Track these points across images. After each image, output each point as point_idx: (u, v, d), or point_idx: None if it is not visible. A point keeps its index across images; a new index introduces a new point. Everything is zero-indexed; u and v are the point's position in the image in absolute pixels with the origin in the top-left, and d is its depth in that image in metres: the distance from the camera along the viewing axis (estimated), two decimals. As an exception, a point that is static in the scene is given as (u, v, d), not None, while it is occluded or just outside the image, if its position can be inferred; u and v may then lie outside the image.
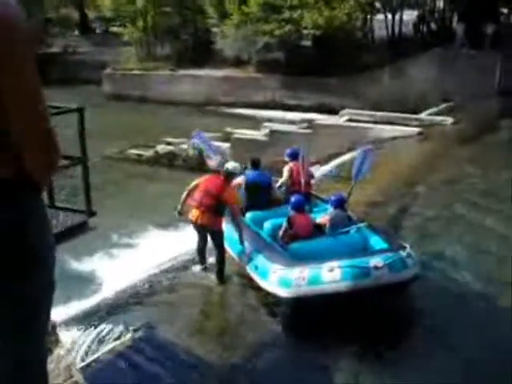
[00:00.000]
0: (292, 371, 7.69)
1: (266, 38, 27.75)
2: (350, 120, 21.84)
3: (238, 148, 18.30)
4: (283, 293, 8.69)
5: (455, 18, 32.40)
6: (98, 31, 43.08)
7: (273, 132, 20.83)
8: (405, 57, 27.25)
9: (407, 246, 8.94)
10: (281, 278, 8.69)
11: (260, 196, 10.74)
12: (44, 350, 2.12)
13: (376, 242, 9.35)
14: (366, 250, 9.11)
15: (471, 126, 20.49)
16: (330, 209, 9.86)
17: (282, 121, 23.76)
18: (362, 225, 9.61)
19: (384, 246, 9.10)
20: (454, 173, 15.81)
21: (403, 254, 8.60)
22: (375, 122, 21.01)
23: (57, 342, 2.85)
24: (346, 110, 22.98)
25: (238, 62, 29.25)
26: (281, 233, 9.59)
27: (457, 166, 16.39)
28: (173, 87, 29.66)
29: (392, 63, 27.05)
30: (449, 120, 21.12)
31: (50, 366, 2.77)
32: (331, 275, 8.35)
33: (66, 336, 8.16)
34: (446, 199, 13.94)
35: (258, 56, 28.41)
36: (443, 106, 23.41)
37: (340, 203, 9.81)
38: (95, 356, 7.74)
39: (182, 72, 30.25)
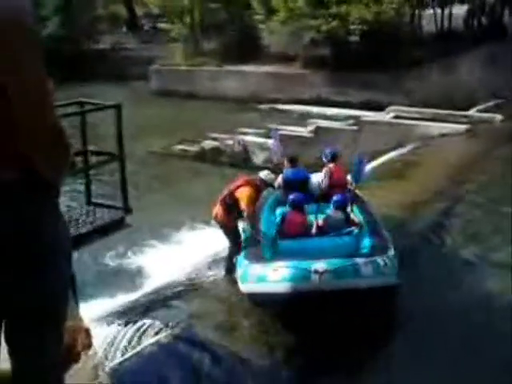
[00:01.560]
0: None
1: (313, 34, 27.57)
2: (397, 117, 21.57)
3: (284, 144, 18.22)
4: (241, 287, 8.77)
5: (506, 13, 31.66)
6: (145, 28, 43.40)
7: (318, 128, 20.70)
8: (454, 53, 26.75)
9: (390, 253, 8.68)
10: (242, 273, 8.79)
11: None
12: (59, 343, 2.13)
13: (365, 245, 9.06)
14: (355, 253, 8.74)
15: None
16: (330, 210, 9.73)
17: (328, 117, 23.58)
18: (351, 229, 9.30)
19: (366, 250, 8.86)
20: (501, 172, 15.46)
21: (364, 260, 8.29)
22: (422, 119, 20.70)
23: (87, 339, 2.84)
24: (393, 107, 22.70)
25: (285, 58, 29.12)
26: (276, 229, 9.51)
27: (504, 165, 16.02)
28: (219, 83, 29.72)
29: (441, 59, 26.59)
30: (498, 117, 20.68)
31: (77, 366, 2.76)
32: (274, 275, 8.27)
33: (106, 331, 8.25)
34: (492, 199, 13.64)
35: (304, 52, 28.27)
36: (492, 102, 22.92)
37: (341, 205, 9.63)
38: (134, 351, 7.81)
39: (228, 68, 30.29)
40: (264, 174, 9.86)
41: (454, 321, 8.79)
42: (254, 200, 9.59)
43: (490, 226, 12.28)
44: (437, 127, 19.77)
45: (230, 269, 9.65)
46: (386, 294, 8.45)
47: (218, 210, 9.65)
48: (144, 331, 8.29)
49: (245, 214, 9.40)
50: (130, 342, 8.12)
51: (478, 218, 12.77)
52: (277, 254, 8.79)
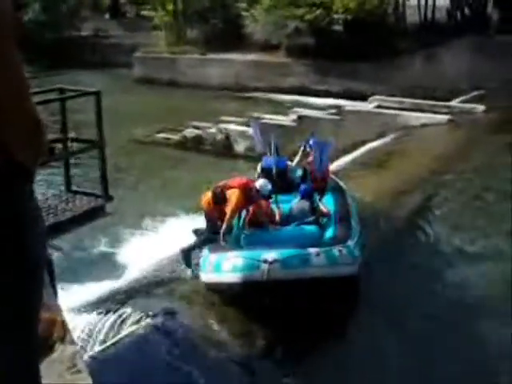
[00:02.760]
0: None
1: (297, 23, 27.47)
2: (379, 106, 21.60)
3: (266, 133, 18.20)
4: (201, 276, 8.86)
5: (490, 4, 31.74)
6: (128, 15, 43.08)
7: (301, 117, 20.69)
8: (437, 43, 26.82)
9: (351, 243, 8.71)
10: (202, 263, 8.90)
11: (274, 181, 10.56)
12: (31, 338, 2.08)
13: (326, 235, 9.12)
14: (317, 243, 8.75)
15: (503, 114, 20.11)
16: (296, 199, 9.71)
17: (311, 106, 23.56)
18: (311, 219, 9.32)
19: (325, 240, 8.91)
20: (482, 161, 15.56)
21: (316, 250, 8.33)
22: (404, 109, 20.76)
23: (62, 331, 2.80)
24: (375, 97, 22.73)
25: (268, 47, 29.01)
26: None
27: (485, 155, 16.12)
28: (202, 71, 29.57)
29: (424, 49, 26.66)
30: (480, 108, 20.77)
31: (55, 354, 2.73)
32: (227, 265, 8.35)
33: (86, 320, 8.22)
34: (473, 188, 13.72)
35: (288, 41, 28.17)
36: (474, 93, 23.01)
37: (306, 194, 9.65)
38: (114, 340, 7.77)
39: (211, 56, 30.14)
40: (260, 185, 9.38)
41: (415, 312, 8.84)
42: (240, 207, 9.35)
43: (471, 216, 12.36)
44: (419, 117, 19.82)
45: (188, 252, 9.62)
46: (342, 283, 8.44)
47: (206, 196, 9.51)
48: (124, 320, 8.26)
49: (226, 217, 9.04)
50: (109, 331, 8.10)
51: (459, 207, 12.84)
52: (240, 244, 8.83)
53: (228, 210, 9.03)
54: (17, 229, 1.85)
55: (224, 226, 8.98)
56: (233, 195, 9.08)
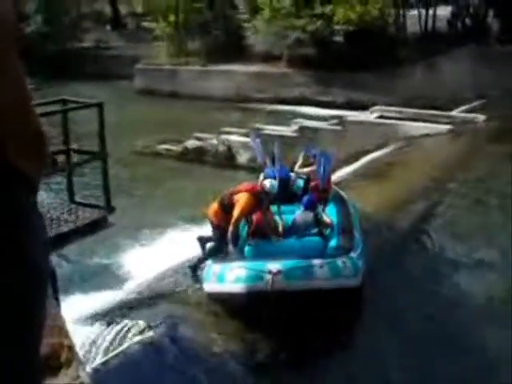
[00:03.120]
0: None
1: (298, 34, 27.59)
2: (381, 117, 21.64)
3: (268, 144, 18.22)
4: (204, 286, 8.86)
5: (490, 14, 31.82)
6: (129, 26, 43.22)
7: (302, 128, 20.70)
8: (438, 53, 26.88)
9: (354, 254, 8.70)
10: (205, 273, 8.91)
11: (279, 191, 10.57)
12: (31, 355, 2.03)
13: (329, 247, 9.09)
14: (321, 255, 8.75)
15: (504, 124, 20.13)
16: (300, 210, 9.69)
17: (312, 117, 23.59)
18: (314, 230, 9.28)
19: (329, 251, 8.89)
20: (483, 171, 15.58)
21: (320, 262, 8.34)
22: (406, 119, 20.78)
23: (71, 352, 2.79)
24: (377, 107, 22.77)
25: (270, 58, 29.09)
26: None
27: (486, 164, 16.14)
28: (203, 82, 29.62)
29: (425, 59, 26.71)
30: (481, 117, 20.80)
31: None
32: (231, 275, 8.36)
33: (89, 331, 8.21)
34: (475, 199, 13.73)
35: (289, 51, 28.26)
36: (476, 103, 23.06)
37: (310, 205, 9.59)
38: (117, 351, 7.76)
39: (212, 67, 30.21)
40: (268, 185, 9.38)
41: (416, 318, 8.85)
42: (249, 210, 9.21)
43: (473, 225, 12.36)
44: (420, 127, 19.85)
45: (195, 266, 9.61)
46: (345, 295, 8.45)
47: (213, 207, 9.45)
48: (126, 331, 8.25)
49: (233, 220, 8.97)
50: (112, 343, 8.08)
51: (461, 216, 12.84)
52: (244, 255, 8.82)
53: (236, 211, 8.96)
54: (18, 229, 1.83)
55: (231, 229, 8.91)
56: (241, 198, 9.05)
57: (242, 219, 9.31)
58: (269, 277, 7.95)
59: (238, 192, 9.21)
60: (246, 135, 19.38)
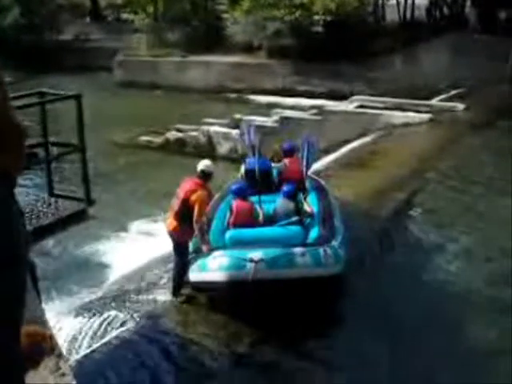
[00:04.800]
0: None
1: (277, 24, 27.55)
2: (361, 106, 21.72)
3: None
4: (188, 276, 8.73)
5: (468, 3, 32.02)
6: (109, 18, 42.95)
7: (283, 118, 20.73)
8: (417, 42, 27.04)
9: (335, 243, 8.78)
10: (190, 263, 8.77)
11: (258, 182, 10.46)
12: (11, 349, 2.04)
13: (311, 235, 9.12)
14: (302, 243, 8.74)
15: (482, 112, 20.32)
16: (280, 199, 9.70)
17: (293, 107, 23.62)
18: (294, 219, 9.21)
19: (310, 240, 8.93)
20: (462, 159, 15.74)
21: (302, 250, 8.39)
22: (386, 109, 20.88)
23: (52, 342, 2.81)
24: (356, 97, 22.85)
25: (249, 48, 29.05)
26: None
27: (466, 153, 16.30)
28: (183, 74, 29.53)
29: (404, 49, 26.84)
30: (459, 106, 20.95)
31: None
32: (213, 264, 8.37)
33: (72, 323, 8.22)
34: (455, 187, 13.87)
35: (268, 42, 28.21)
36: (454, 92, 23.21)
37: (288, 194, 9.57)
38: (99, 343, 7.78)
39: (192, 58, 30.10)
40: (204, 165, 8.91)
41: (404, 310, 8.93)
42: (207, 204, 8.82)
43: (453, 213, 12.48)
44: (400, 116, 19.95)
45: (178, 286, 9.03)
46: (327, 283, 8.52)
47: (171, 223, 8.87)
48: (109, 323, 8.27)
49: (196, 223, 8.52)
50: (95, 335, 8.10)
51: (441, 205, 12.97)
52: (224, 244, 8.83)
53: (197, 213, 8.49)
54: None
55: (198, 226, 8.56)
56: (199, 196, 8.56)
57: (203, 216, 8.75)
58: (251, 265, 7.98)
59: (192, 192, 8.61)
60: (227, 126, 19.44)
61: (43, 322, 2.97)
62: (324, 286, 8.54)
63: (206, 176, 8.84)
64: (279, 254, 8.26)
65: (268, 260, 8.07)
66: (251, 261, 8.01)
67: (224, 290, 8.34)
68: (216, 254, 8.50)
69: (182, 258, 8.87)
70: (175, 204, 8.78)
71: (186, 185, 8.80)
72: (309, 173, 11.48)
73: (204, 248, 8.76)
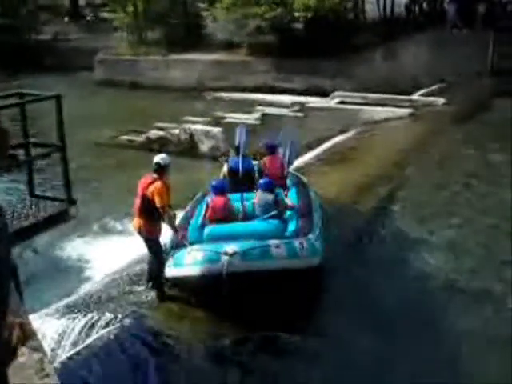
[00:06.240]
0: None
1: (257, 21, 27.54)
2: (342, 102, 21.79)
3: (230, 132, 18.24)
4: (166, 272, 8.70)
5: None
6: (88, 17, 42.71)
7: (265, 115, 20.78)
8: (397, 38, 27.15)
9: (312, 236, 8.81)
10: (166, 259, 8.77)
11: (241, 181, 10.56)
12: None
13: (288, 228, 9.14)
14: (280, 236, 8.77)
15: (463, 106, 20.46)
16: (257, 192, 9.72)
17: (274, 104, 23.64)
18: (272, 213, 9.25)
19: (287, 233, 8.96)
20: (443, 154, 15.84)
21: (277, 242, 8.41)
22: (367, 104, 20.97)
23: (30, 333, 2.81)
24: (338, 93, 22.92)
25: (230, 46, 29.04)
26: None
27: (448, 146, 16.41)
28: (164, 72, 29.46)
29: (384, 44, 26.94)
30: (440, 100, 21.09)
31: (22, 359, 2.73)
32: (188, 258, 8.39)
33: (56, 325, 8.18)
34: (436, 181, 13.96)
35: (249, 39, 28.22)
36: (435, 86, 23.34)
37: (265, 186, 9.60)
38: (84, 344, 7.76)
39: (173, 57, 30.02)
40: (159, 158, 8.81)
41: (381, 303, 8.98)
42: (166, 193, 8.48)
43: (435, 206, 12.56)
44: (381, 111, 20.05)
45: (160, 284, 8.90)
46: (304, 275, 8.52)
47: (137, 221, 8.72)
48: (93, 324, 8.24)
49: (163, 212, 8.39)
50: (79, 336, 8.07)
51: (423, 200, 13.04)
52: (202, 239, 8.83)
53: (158, 201, 8.35)
54: None
55: (167, 215, 8.46)
56: (154, 188, 8.42)
57: (167, 203, 8.50)
58: (225, 258, 7.99)
59: (146, 187, 8.51)
60: (208, 124, 19.45)
61: (26, 325, 2.97)
62: (301, 279, 8.53)
63: (161, 168, 8.70)
64: (253, 246, 8.27)
65: (242, 252, 8.09)
66: (225, 254, 8.02)
67: (199, 284, 8.34)
68: (192, 248, 8.49)
69: (157, 254, 8.82)
70: (136, 201, 8.72)
71: (143, 180, 8.73)
72: (290, 169, 11.53)
73: (178, 236, 8.81)
